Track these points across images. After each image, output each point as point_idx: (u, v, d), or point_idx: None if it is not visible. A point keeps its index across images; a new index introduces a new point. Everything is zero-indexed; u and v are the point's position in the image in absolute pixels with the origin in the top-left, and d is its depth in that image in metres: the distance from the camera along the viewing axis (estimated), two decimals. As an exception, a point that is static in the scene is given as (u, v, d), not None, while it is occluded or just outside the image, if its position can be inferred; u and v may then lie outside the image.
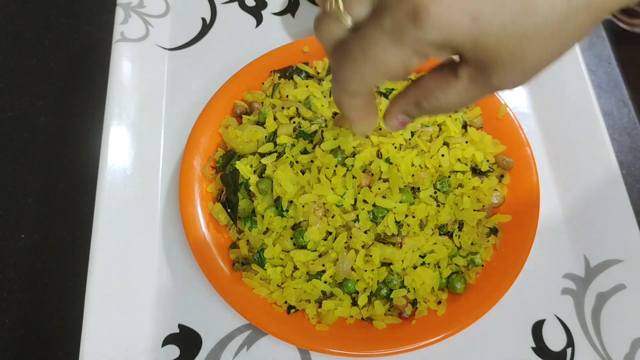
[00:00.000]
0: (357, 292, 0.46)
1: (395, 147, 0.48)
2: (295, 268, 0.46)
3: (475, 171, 0.50)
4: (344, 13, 0.27)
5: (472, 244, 0.48)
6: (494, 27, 0.25)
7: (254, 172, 0.49)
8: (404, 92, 0.31)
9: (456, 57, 0.28)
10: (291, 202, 0.46)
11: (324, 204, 0.46)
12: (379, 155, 0.48)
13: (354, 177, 0.47)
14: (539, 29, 0.25)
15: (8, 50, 0.66)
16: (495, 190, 0.50)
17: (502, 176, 0.51)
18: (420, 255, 0.46)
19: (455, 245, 0.47)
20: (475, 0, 0.24)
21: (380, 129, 0.49)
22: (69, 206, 0.57)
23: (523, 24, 0.25)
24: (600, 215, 0.51)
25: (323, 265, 0.45)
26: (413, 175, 0.47)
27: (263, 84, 0.56)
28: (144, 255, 0.50)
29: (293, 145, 0.48)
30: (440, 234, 0.47)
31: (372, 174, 0.47)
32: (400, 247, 0.45)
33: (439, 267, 0.46)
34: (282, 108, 0.51)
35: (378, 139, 0.48)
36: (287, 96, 0.53)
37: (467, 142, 0.50)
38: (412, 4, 0.24)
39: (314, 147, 0.48)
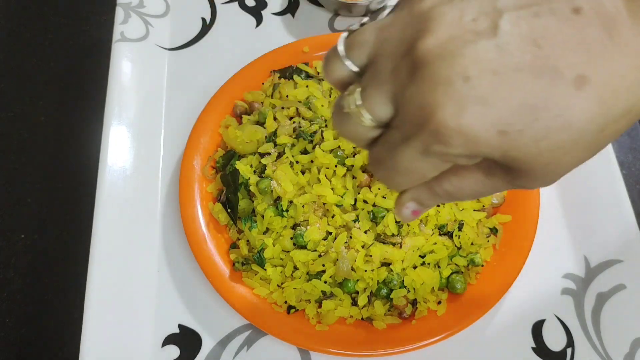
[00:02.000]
0: (357, 292, 0.46)
1: (395, 147, 0.48)
2: (295, 268, 0.46)
3: (475, 171, 0.50)
4: (364, 116, 0.24)
5: (472, 244, 0.48)
6: (525, 141, 0.22)
7: (254, 172, 0.49)
8: None
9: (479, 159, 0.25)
10: (291, 202, 0.46)
11: (324, 204, 0.46)
12: (379, 155, 0.48)
13: (354, 177, 0.47)
14: (575, 141, 0.22)
15: (8, 50, 0.66)
16: (495, 190, 0.50)
17: (502, 176, 0.51)
18: (420, 255, 0.46)
19: (455, 245, 0.47)
20: (502, 113, 0.21)
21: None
22: (69, 206, 0.57)
23: (558, 138, 0.22)
24: (600, 215, 0.51)
25: (323, 265, 0.45)
26: (413, 175, 0.47)
27: (263, 84, 0.56)
28: (144, 255, 0.50)
29: (293, 145, 0.48)
30: (440, 234, 0.47)
31: (372, 174, 0.47)
32: (400, 247, 0.45)
33: (439, 267, 0.46)
34: (282, 108, 0.51)
35: (378, 139, 0.48)
36: (287, 96, 0.52)
37: (467, 142, 0.50)
38: (433, 123, 0.22)
39: (314, 147, 0.48)
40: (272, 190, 0.47)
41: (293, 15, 0.63)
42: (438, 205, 0.47)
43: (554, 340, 0.47)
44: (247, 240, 0.48)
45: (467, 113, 0.21)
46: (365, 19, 0.26)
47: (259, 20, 0.63)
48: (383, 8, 0.63)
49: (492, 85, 0.21)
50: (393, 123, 0.24)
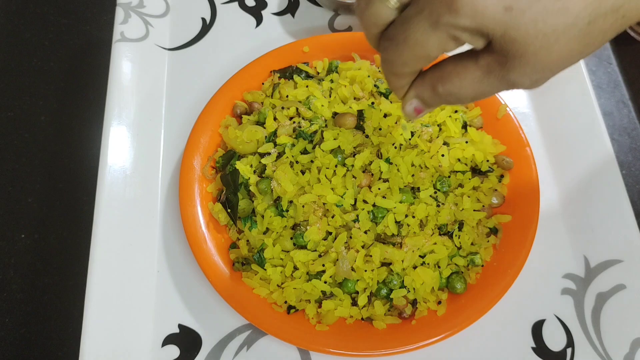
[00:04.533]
0: (357, 292, 0.46)
1: (395, 147, 0.48)
2: (295, 268, 0.46)
3: (475, 171, 0.50)
4: None
5: (472, 244, 0.48)
6: (525, 21, 0.25)
7: (254, 172, 0.49)
8: (422, 76, 0.32)
9: (479, 45, 0.28)
10: (291, 202, 0.46)
11: (324, 204, 0.46)
12: (379, 155, 0.48)
13: (354, 177, 0.47)
14: (568, 28, 0.26)
15: (8, 50, 0.66)
16: (495, 190, 0.50)
17: (502, 176, 0.51)
18: (420, 255, 0.46)
19: (455, 245, 0.47)
20: None
21: (380, 129, 0.49)
22: (69, 206, 0.57)
23: (554, 21, 0.25)
24: (600, 215, 0.51)
25: (323, 265, 0.45)
26: (413, 175, 0.47)
27: (263, 84, 0.56)
28: (144, 255, 0.50)
29: (293, 145, 0.48)
30: (440, 234, 0.47)
31: (372, 174, 0.47)
32: (400, 247, 0.45)
33: (439, 267, 0.46)
34: (282, 108, 0.51)
35: (378, 139, 0.48)
36: (287, 96, 0.53)
37: (467, 142, 0.50)
38: None
39: (314, 147, 0.48)
40: (272, 190, 0.47)
41: (293, 15, 0.63)
42: (438, 205, 0.47)
43: (554, 340, 0.47)
44: (247, 240, 0.48)
45: None
46: None
47: (259, 20, 0.63)
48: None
49: None
50: (410, 4, 0.28)
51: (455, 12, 0.26)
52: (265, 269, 0.46)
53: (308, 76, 0.55)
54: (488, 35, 0.26)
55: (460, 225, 0.47)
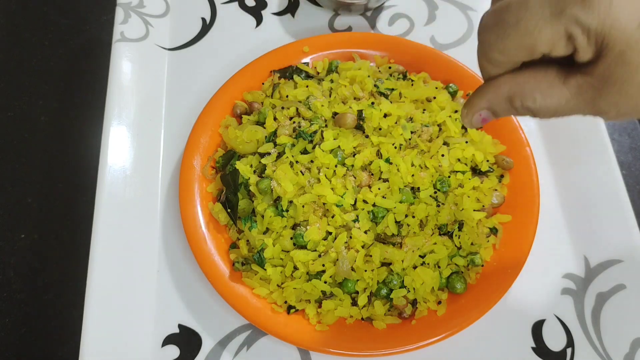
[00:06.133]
0: (357, 292, 0.46)
1: (395, 147, 0.48)
2: (295, 268, 0.46)
3: (475, 171, 0.50)
4: None
5: (472, 244, 0.48)
6: None
7: (254, 172, 0.49)
8: (496, 85, 0.28)
9: (585, 57, 0.25)
10: (291, 202, 0.46)
11: (323, 204, 0.46)
12: (379, 155, 0.48)
13: (354, 177, 0.47)
14: None
15: (8, 50, 0.66)
16: (495, 190, 0.50)
17: (502, 176, 0.51)
18: (420, 255, 0.46)
19: (455, 245, 0.47)
20: None
21: (380, 129, 0.49)
22: (69, 206, 0.57)
23: None
24: (600, 215, 0.51)
25: (323, 265, 0.45)
26: (413, 175, 0.47)
27: (263, 84, 0.56)
28: (144, 255, 0.50)
29: (293, 145, 0.48)
30: (440, 234, 0.47)
31: (372, 174, 0.47)
32: (400, 247, 0.45)
33: (439, 267, 0.46)
34: (282, 108, 0.51)
35: (378, 139, 0.48)
36: (287, 96, 0.53)
37: (467, 142, 0.50)
38: None
39: (314, 147, 0.48)
40: (272, 190, 0.47)
41: (293, 15, 0.63)
42: (438, 205, 0.47)
43: (554, 340, 0.47)
44: (247, 240, 0.48)
45: None
46: None
47: (259, 20, 0.63)
48: (381, 7, 0.63)
49: None
50: None
51: (588, 7, 0.22)
52: (265, 269, 0.46)
53: (308, 76, 0.55)
54: (606, 47, 0.23)
55: (460, 225, 0.47)
